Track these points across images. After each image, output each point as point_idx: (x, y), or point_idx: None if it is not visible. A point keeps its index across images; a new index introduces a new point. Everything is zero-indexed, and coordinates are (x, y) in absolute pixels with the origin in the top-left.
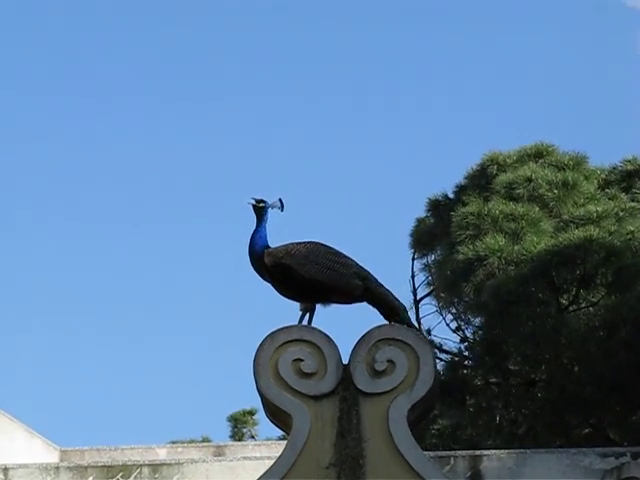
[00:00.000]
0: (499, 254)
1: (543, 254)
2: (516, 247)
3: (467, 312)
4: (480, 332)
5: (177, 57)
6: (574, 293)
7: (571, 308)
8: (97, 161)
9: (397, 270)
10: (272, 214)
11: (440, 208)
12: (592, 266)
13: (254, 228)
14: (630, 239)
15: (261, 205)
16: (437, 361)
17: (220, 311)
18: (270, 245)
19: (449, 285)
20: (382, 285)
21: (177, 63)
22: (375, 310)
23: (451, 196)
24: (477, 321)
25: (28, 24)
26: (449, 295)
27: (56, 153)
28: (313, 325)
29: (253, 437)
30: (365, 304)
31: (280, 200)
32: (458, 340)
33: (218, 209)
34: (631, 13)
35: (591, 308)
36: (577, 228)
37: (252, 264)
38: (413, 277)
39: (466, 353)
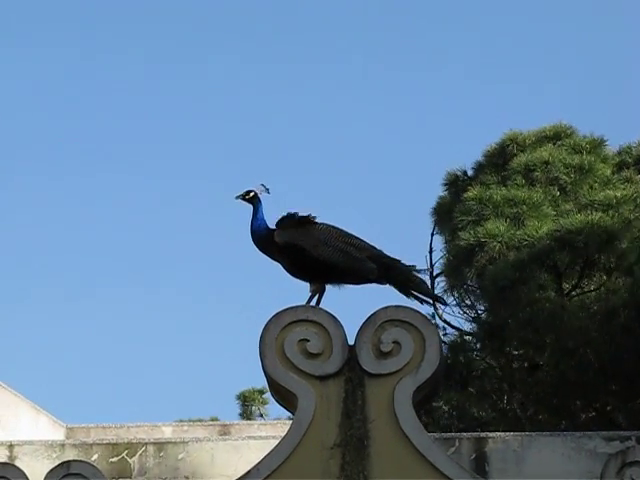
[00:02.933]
0: (500, 239)
1: (544, 238)
2: (517, 232)
3: (469, 297)
4: (482, 316)
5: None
6: (576, 278)
7: (574, 293)
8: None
9: (416, 246)
10: (284, 199)
11: (458, 184)
12: (593, 250)
13: (252, 215)
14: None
15: (251, 195)
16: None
17: (230, 289)
18: (270, 226)
19: (451, 270)
20: (399, 260)
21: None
22: (381, 291)
23: (470, 173)
24: (479, 305)
25: None
26: (452, 280)
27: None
28: (320, 306)
29: (262, 416)
30: (373, 285)
31: (262, 185)
32: (467, 319)
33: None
34: None
35: (592, 292)
36: (600, 212)
37: (258, 246)
38: (431, 252)
39: (469, 337)
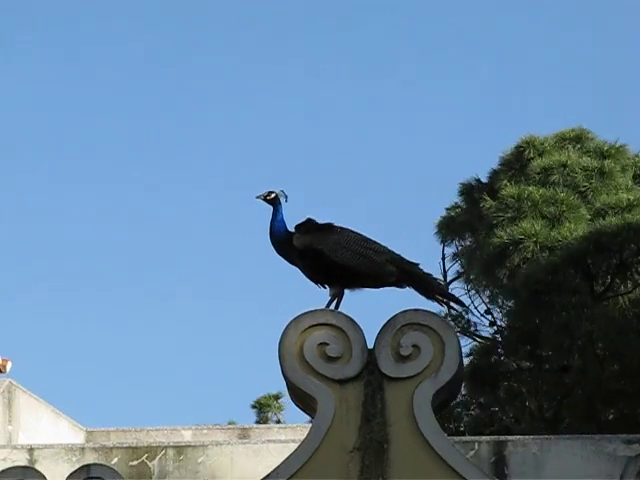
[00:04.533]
0: (534, 239)
1: (578, 241)
2: (552, 233)
3: (499, 297)
4: (511, 317)
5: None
6: (609, 281)
7: (605, 296)
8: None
9: (427, 253)
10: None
11: (473, 193)
12: (628, 254)
13: (272, 217)
14: None
15: (273, 196)
16: (467, 343)
17: (247, 294)
18: (289, 229)
19: (483, 268)
20: (417, 265)
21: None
22: (400, 294)
23: (485, 181)
24: (509, 305)
25: None
26: (482, 278)
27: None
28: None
29: (279, 422)
30: (392, 288)
31: (282, 191)
32: (487, 324)
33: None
34: None
35: (628, 295)
36: (612, 216)
37: (277, 249)
38: (443, 259)
39: (496, 336)
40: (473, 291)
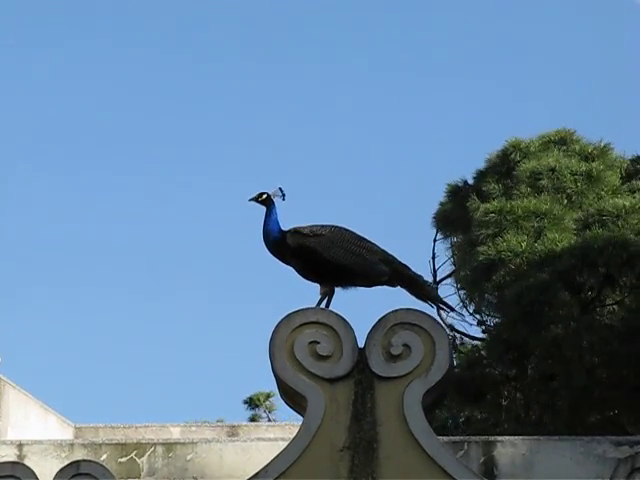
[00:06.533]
0: (520, 255)
1: (566, 255)
2: (538, 246)
3: (488, 310)
4: (499, 328)
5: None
6: (596, 293)
7: (591, 307)
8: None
9: (417, 251)
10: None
11: (460, 194)
12: (615, 267)
13: (265, 217)
14: None
15: (264, 197)
16: (454, 351)
17: (238, 293)
18: (283, 228)
19: (469, 284)
20: (408, 267)
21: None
22: (391, 293)
23: (471, 182)
24: (496, 317)
25: None
26: (470, 292)
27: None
28: (330, 308)
29: (270, 420)
30: (383, 287)
31: (280, 189)
32: (479, 329)
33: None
34: None
35: (614, 307)
36: (601, 226)
37: (270, 248)
38: (434, 258)
39: (483, 339)
40: (462, 291)
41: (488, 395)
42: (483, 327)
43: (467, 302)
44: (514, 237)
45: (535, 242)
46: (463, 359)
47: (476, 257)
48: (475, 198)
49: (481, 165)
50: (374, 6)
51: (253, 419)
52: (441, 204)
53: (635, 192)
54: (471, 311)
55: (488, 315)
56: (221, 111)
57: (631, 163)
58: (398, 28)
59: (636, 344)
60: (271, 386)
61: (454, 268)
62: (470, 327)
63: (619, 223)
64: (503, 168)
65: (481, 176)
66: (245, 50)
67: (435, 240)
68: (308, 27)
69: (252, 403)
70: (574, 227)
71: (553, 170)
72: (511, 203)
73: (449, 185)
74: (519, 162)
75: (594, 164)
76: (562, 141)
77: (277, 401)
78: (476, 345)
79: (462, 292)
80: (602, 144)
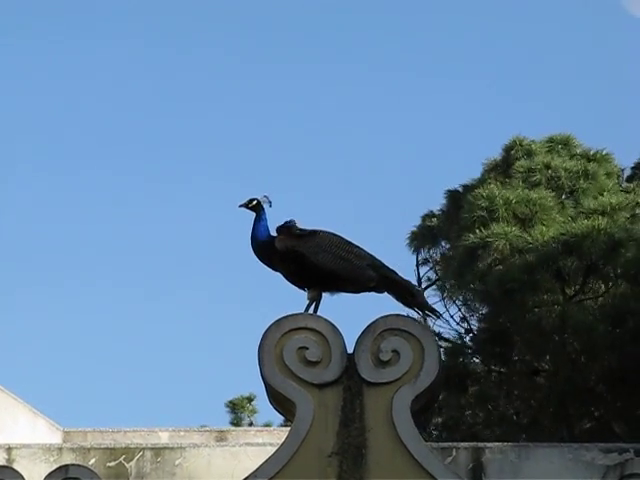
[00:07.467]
0: (504, 240)
1: (550, 242)
2: (523, 234)
3: (473, 300)
4: (484, 319)
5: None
6: (580, 283)
7: (577, 298)
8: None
9: (400, 260)
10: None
11: (458, 200)
12: (598, 257)
13: (254, 222)
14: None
15: (254, 203)
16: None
17: (220, 297)
18: (272, 234)
19: (455, 272)
20: (396, 272)
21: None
22: (380, 299)
23: (470, 184)
24: (482, 309)
25: None
26: (455, 283)
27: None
28: (319, 314)
29: (252, 424)
30: (372, 293)
31: (266, 197)
32: (463, 331)
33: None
34: None
35: (599, 298)
36: (589, 219)
37: (258, 254)
38: (418, 267)
39: (468, 341)
40: (447, 298)
41: (471, 390)
42: (470, 335)
43: (454, 297)
44: (502, 224)
45: (523, 230)
46: (448, 349)
47: (461, 245)
48: (483, 187)
49: (479, 169)
50: (374, 6)
51: (235, 423)
52: (425, 216)
53: (629, 193)
54: (458, 320)
55: (474, 310)
56: (221, 111)
57: (631, 170)
58: (398, 28)
59: (621, 331)
60: (251, 388)
61: (439, 276)
62: (455, 333)
63: (607, 218)
64: (503, 167)
65: (480, 179)
66: (245, 50)
67: (418, 249)
68: (308, 27)
69: (235, 407)
70: (562, 220)
71: (549, 167)
72: (502, 190)
73: (448, 191)
74: (518, 160)
75: (590, 165)
76: (564, 144)
77: (259, 404)
78: (460, 333)
79: (447, 290)
80: (603, 152)
